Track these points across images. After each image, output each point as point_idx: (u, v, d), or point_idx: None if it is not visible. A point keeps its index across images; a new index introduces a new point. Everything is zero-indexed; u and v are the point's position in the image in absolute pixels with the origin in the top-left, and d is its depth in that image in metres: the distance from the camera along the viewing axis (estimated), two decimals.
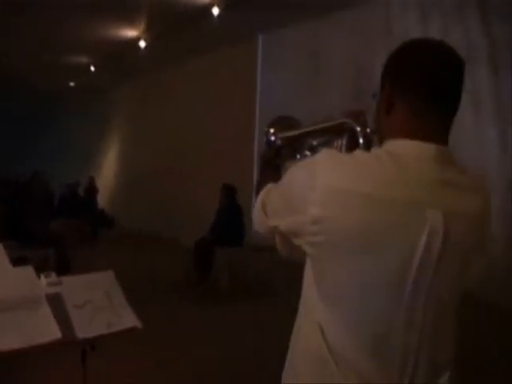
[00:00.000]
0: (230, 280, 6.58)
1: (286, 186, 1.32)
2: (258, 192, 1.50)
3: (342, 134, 1.56)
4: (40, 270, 2.04)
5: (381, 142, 1.28)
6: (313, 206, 1.16)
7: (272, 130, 1.79)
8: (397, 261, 1.15)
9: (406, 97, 1.20)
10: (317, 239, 1.18)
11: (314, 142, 1.73)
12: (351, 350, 1.20)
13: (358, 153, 1.24)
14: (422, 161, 1.18)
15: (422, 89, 1.19)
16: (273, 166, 1.75)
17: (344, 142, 1.55)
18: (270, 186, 1.46)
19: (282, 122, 1.83)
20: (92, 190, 13.46)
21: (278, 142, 1.78)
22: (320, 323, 1.22)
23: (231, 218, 7.04)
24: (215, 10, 8.00)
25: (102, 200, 14.01)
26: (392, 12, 7.62)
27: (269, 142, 1.80)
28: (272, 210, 1.36)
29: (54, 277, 2.01)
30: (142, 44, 10.00)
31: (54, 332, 1.80)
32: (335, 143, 1.60)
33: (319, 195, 1.15)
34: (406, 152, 1.18)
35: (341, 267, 1.19)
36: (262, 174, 1.70)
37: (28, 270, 1.95)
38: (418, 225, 1.14)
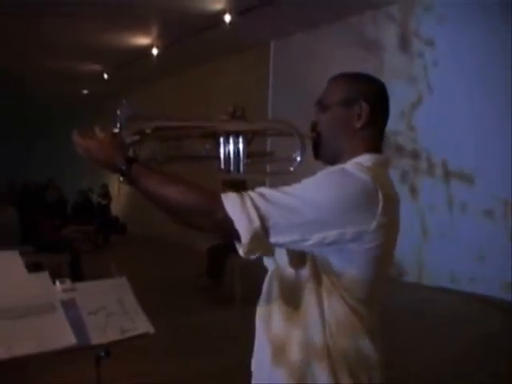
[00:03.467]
0: (243, 285, 6.59)
1: (330, 199, 1.29)
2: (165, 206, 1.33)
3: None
4: (54, 275, 2.05)
5: (332, 148, 1.50)
6: (379, 215, 1.31)
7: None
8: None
9: (377, 119, 1.49)
10: (373, 244, 1.33)
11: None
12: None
13: (363, 166, 1.40)
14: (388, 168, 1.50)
15: (386, 115, 1.52)
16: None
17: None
18: (256, 198, 1.29)
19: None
20: (106, 197, 13.54)
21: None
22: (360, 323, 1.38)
23: None
24: (227, 17, 8.04)
25: (115, 206, 14.08)
26: (407, 17, 7.62)
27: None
28: (295, 225, 1.28)
29: (68, 283, 2.03)
30: (155, 51, 10.06)
31: (68, 338, 1.82)
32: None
33: (383, 204, 1.32)
34: (380, 162, 1.47)
35: (384, 263, 1.41)
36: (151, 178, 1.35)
37: (44, 276, 1.97)
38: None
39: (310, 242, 1.29)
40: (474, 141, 6.81)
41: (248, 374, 1.59)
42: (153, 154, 1.47)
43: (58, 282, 1.99)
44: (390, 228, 1.36)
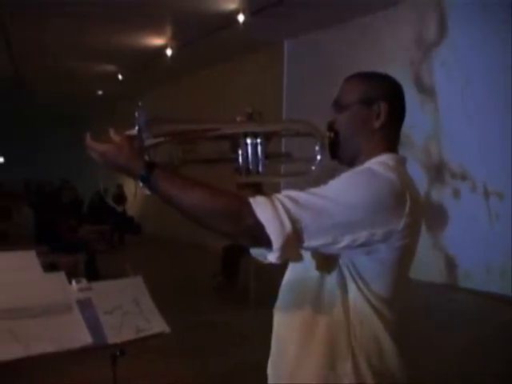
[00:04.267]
0: (258, 285, 6.59)
1: (360, 200, 1.27)
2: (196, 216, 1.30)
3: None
4: (70, 275, 2.07)
5: (350, 148, 1.49)
6: (406, 215, 1.32)
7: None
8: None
9: (395, 119, 1.49)
10: (400, 244, 1.33)
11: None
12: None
13: (389, 166, 1.40)
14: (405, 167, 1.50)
15: (403, 115, 1.52)
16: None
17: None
18: (286, 201, 1.25)
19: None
20: (121, 198, 13.62)
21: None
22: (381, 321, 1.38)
23: None
24: (241, 17, 8.04)
25: (130, 206, 14.14)
26: (421, 15, 7.59)
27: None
28: (327, 227, 1.25)
29: (84, 282, 2.04)
30: (169, 52, 10.09)
31: (84, 337, 1.83)
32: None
33: (409, 204, 1.32)
34: (399, 161, 1.47)
35: (407, 263, 1.42)
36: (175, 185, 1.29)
37: (60, 276, 1.99)
38: None
39: (342, 245, 1.27)
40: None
41: (263, 374, 1.58)
42: (169, 157, 1.42)
43: (74, 282, 2.01)
44: (414, 228, 1.36)
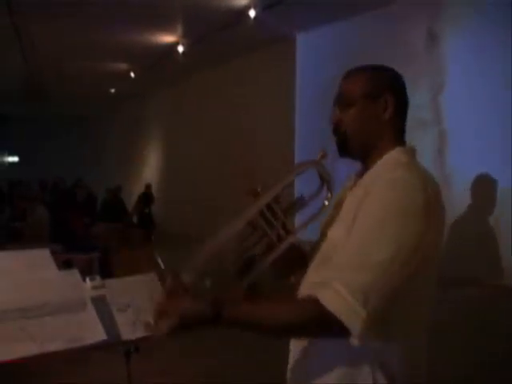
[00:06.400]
0: (272, 281, 6.58)
1: (403, 239, 1.27)
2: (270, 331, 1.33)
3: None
4: (85, 273, 2.07)
5: (363, 143, 1.47)
6: (434, 222, 1.32)
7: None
8: None
9: (401, 109, 1.49)
10: (432, 249, 1.34)
11: None
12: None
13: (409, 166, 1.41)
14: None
15: (407, 105, 1.51)
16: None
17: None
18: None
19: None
20: (149, 197, 13.65)
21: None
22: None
23: None
24: (252, 13, 8.01)
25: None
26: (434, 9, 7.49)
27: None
28: (389, 287, 1.26)
29: (98, 280, 2.04)
30: (180, 49, 10.09)
31: (99, 334, 1.83)
32: None
33: (435, 208, 1.33)
34: (412, 154, 1.48)
35: (435, 264, 1.40)
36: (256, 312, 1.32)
37: (74, 274, 1.99)
38: None
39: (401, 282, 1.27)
40: None
41: (277, 368, 1.57)
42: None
43: (87, 279, 2.01)
44: (441, 227, 1.37)
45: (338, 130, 1.49)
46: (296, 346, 1.51)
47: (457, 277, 4.78)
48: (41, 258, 1.98)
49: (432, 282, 1.41)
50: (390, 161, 1.42)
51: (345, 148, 1.49)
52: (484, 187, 5.43)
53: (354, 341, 1.24)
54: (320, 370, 1.39)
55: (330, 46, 8.88)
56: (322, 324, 1.25)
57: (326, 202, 1.54)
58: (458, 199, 5.25)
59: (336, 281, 1.24)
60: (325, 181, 1.53)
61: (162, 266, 1.41)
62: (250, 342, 4.82)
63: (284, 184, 1.52)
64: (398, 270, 1.25)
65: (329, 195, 1.53)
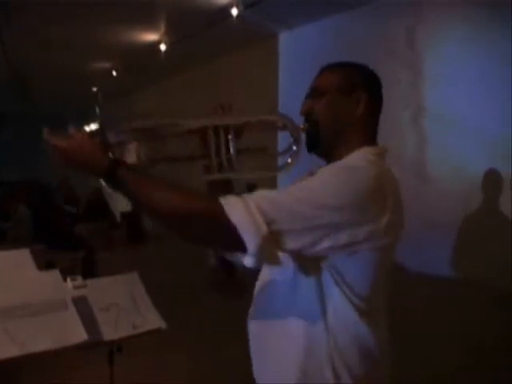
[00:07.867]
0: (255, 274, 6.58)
1: (340, 200, 1.20)
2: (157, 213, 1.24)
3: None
4: (67, 273, 2.06)
5: (330, 137, 1.45)
6: (387, 212, 1.26)
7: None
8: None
9: (374, 108, 1.48)
10: (383, 242, 1.28)
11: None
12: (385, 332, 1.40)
13: (369, 162, 1.36)
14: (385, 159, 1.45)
15: (381, 105, 1.49)
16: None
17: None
18: (262, 203, 1.19)
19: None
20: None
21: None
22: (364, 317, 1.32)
23: None
24: (234, 11, 8.00)
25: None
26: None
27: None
28: (305, 229, 1.17)
29: (79, 280, 2.04)
30: (163, 47, 10.05)
31: (80, 334, 1.82)
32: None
33: (391, 201, 1.28)
34: (380, 154, 1.43)
35: (390, 260, 1.38)
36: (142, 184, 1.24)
37: (54, 274, 1.98)
38: None
39: (323, 247, 1.20)
40: None
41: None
42: (136, 156, 1.37)
43: (68, 280, 2.00)
44: (397, 224, 1.32)
45: (309, 118, 1.47)
46: (253, 346, 1.50)
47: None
48: (21, 258, 1.97)
49: (384, 270, 1.36)
50: (355, 155, 1.39)
51: (315, 138, 1.46)
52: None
53: (248, 259, 1.17)
54: (278, 358, 1.36)
55: (313, 44, 8.90)
56: (212, 224, 1.17)
57: (290, 160, 1.50)
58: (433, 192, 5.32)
59: (251, 198, 1.21)
60: (293, 137, 1.50)
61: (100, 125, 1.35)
62: (235, 343, 4.85)
63: (248, 119, 1.55)
64: (326, 214, 1.17)
65: (294, 149, 1.49)
